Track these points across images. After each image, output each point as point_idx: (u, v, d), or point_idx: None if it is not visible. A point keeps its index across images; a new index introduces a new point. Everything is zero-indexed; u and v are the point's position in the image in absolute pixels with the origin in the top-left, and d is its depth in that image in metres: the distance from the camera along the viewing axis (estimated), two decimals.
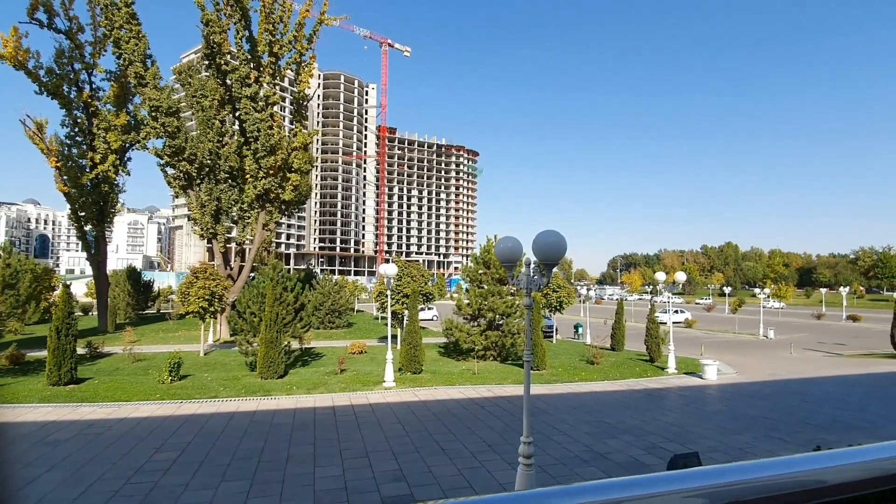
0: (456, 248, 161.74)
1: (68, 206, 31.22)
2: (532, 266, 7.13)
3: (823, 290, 73.24)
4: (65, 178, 29.95)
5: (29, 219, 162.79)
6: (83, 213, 31.07)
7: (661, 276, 20.39)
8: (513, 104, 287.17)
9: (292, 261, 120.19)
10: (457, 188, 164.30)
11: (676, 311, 45.62)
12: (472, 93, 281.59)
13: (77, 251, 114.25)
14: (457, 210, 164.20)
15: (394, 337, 25.90)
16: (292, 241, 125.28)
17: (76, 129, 30.83)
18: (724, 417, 12.39)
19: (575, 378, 16.93)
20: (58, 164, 29.78)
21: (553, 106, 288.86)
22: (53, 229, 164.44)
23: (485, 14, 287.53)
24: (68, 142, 30.75)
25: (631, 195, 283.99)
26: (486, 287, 22.39)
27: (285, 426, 10.67)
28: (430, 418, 11.57)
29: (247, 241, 33.33)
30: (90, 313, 40.71)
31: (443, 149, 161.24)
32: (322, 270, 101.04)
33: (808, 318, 52.89)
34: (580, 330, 32.69)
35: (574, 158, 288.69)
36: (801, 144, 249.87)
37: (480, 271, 23.04)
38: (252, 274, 32.16)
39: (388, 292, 16.49)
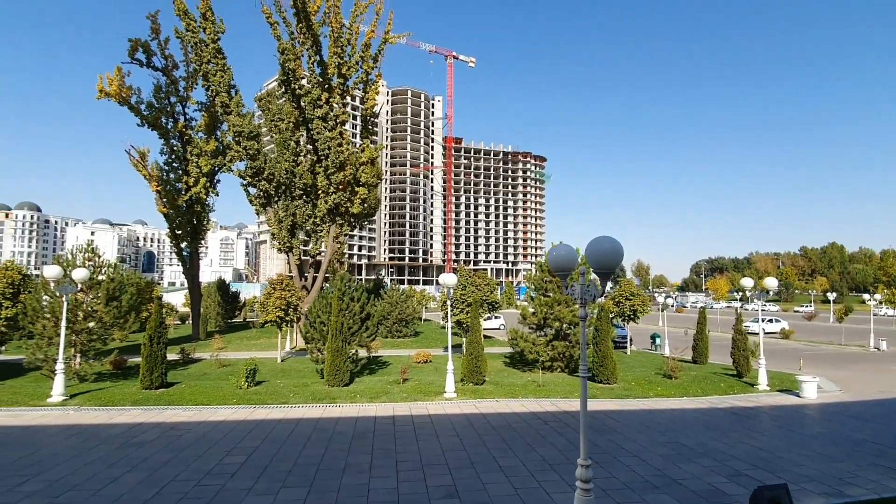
0: (524, 256, 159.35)
1: (167, 225, 34.74)
2: (585, 275, 6.69)
3: None
4: (164, 200, 33.30)
5: (138, 237, 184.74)
6: (179, 232, 34.34)
7: (747, 281, 18.51)
8: (581, 107, 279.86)
9: (364, 271, 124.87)
10: (524, 195, 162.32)
11: (770, 321, 41.33)
12: (539, 98, 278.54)
13: (177, 266, 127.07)
14: (524, 217, 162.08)
15: (459, 346, 25.84)
16: (364, 252, 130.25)
17: (173, 156, 34.25)
18: (823, 442, 10.86)
19: (649, 393, 15.75)
20: (158, 189, 33.21)
21: (624, 107, 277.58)
22: (158, 247, 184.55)
23: (547, 19, 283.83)
24: (166, 168, 34.21)
25: (717, 195, 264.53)
26: (552, 295, 21.64)
27: (346, 434, 10.88)
28: (488, 432, 11.25)
29: (320, 254, 35.00)
30: (186, 322, 44.79)
31: (509, 156, 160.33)
32: (391, 280, 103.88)
33: None
34: (658, 341, 30.61)
35: (650, 159, 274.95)
36: None
37: (546, 279, 22.34)
38: (325, 285, 33.69)
39: (449, 301, 16.43)
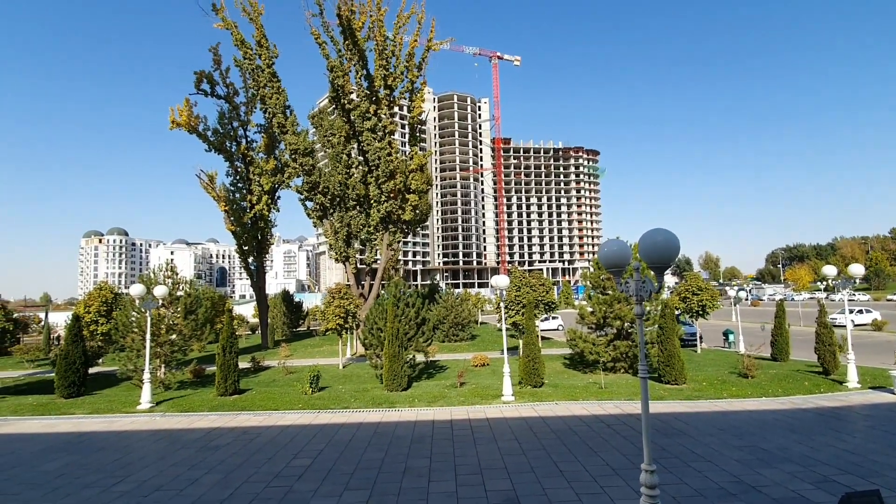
0: (581, 254, 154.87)
1: (235, 242, 37.06)
2: (640, 270, 6.41)
3: None
4: (231, 218, 35.59)
5: (211, 255, 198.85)
6: (246, 247, 36.52)
7: (830, 269, 16.92)
8: (633, 97, 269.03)
9: (419, 277, 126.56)
10: (578, 191, 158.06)
11: (860, 311, 37.51)
12: (588, 91, 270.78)
13: (247, 279, 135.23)
14: (580, 214, 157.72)
15: (516, 348, 25.53)
16: (418, 258, 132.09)
17: (237, 177, 36.55)
18: None
19: (723, 394, 14.78)
20: (226, 208, 35.55)
21: (679, 94, 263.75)
22: (229, 262, 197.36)
23: (591, 10, 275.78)
24: (232, 188, 36.56)
25: (793, 177, 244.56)
26: (611, 293, 20.92)
27: (405, 438, 11.06)
28: (548, 436, 11.01)
29: (375, 262, 35.95)
30: (257, 332, 47.48)
31: (560, 152, 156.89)
32: (446, 284, 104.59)
33: None
34: (731, 337, 28.67)
35: (714, 145, 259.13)
36: None
37: (603, 276, 21.63)
38: (382, 292, 34.51)
39: (502, 303, 16.30)
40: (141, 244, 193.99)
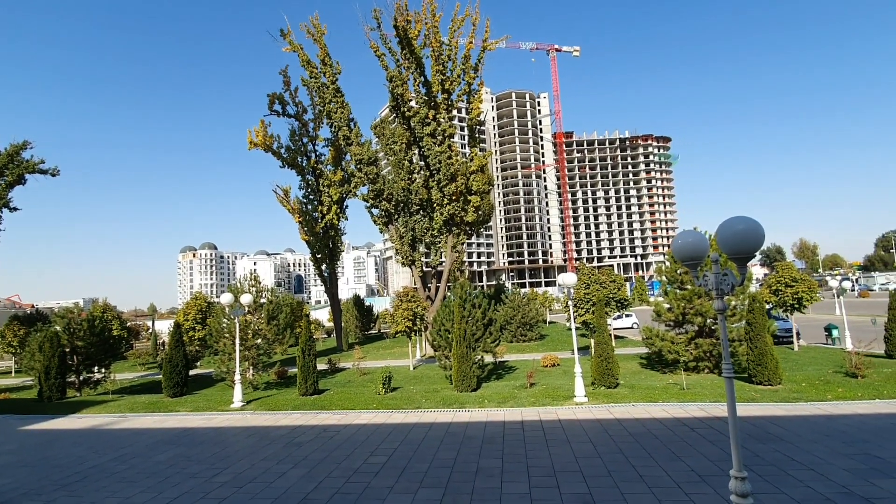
0: (655, 248, 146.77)
1: (309, 251, 39.25)
2: (719, 262, 6.00)
3: None
4: (305, 229, 37.76)
5: (288, 264, 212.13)
6: (319, 256, 38.56)
7: None
8: (703, 76, 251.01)
9: (484, 278, 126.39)
10: (648, 181, 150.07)
11: None
12: (653, 76, 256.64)
13: (321, 286, 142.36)
14: (651, 205, 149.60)
15: (587, 348, 24.74)
16: (483, 258, 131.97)
17: (309, 190, 38.74)
18: None
19: (827, 396, 13.36)
20: (300, 220, 37.78)
21: (760, 62, 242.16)
22: (304, 270, 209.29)
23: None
24: (304, 200, 38.79)
25: None
26: (689, 287, 19.68)
27: (476, 438, 11.10)
28: (625, 439, 10.56)
29: (440, 264, 36.44)
30: (332, 335, 49.84)
31: (627, 142, 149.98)
32: (512, 284, 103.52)
33: None
34: (835, 333, 25.89)
35: (802, 121, 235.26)
36: None
37: (680, 270, 20.40)
38: (448, 294, 34.90)
39: (570, 302, 15.88)
40: (228, 256, 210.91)
